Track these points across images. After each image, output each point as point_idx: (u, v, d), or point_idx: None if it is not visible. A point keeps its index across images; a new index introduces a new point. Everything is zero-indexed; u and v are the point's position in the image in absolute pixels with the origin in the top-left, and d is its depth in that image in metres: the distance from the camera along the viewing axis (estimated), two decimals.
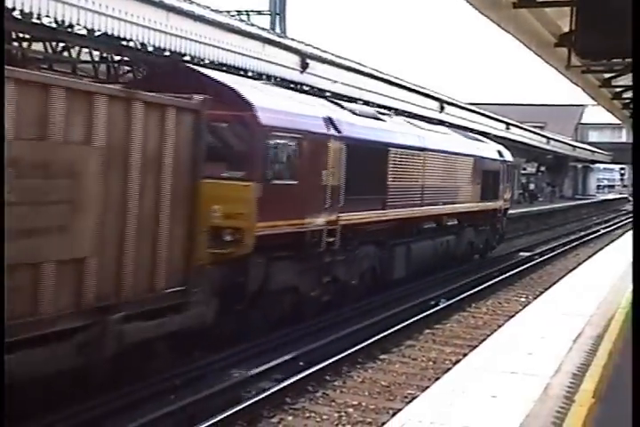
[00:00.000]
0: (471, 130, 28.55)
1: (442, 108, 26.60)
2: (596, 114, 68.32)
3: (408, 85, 23.72)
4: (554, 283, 14.31)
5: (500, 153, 20.69)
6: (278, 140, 10.04)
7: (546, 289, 13.84)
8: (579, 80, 15.44)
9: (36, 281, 6.44)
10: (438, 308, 13.89)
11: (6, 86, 5.99)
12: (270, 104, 10.23)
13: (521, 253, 24.01)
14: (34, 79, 6.34)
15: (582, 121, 76.49)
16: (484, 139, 21.59)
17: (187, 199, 8.08)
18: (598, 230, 36.20)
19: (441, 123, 23.06)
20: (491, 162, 19.53)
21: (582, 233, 34.04)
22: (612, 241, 23.63)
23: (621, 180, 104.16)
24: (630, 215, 46.92)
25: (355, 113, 12.96)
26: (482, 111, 31.84)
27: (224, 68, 14.21)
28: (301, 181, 10.56)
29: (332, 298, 12.18)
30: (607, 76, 16.23)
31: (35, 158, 6.31)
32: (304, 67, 17.50)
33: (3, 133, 5.63)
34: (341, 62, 19.40)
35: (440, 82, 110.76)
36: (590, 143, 64.23)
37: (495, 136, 32.50)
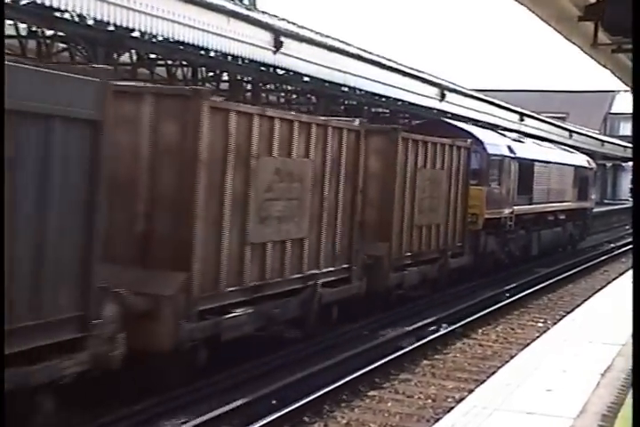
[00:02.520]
0: (479, 122, 28.75)
1: (442, 96, 26.75)
2: (629, 102, 68.98)
3: (402, 69, 23.82)
4: (577, 305, 14.41)
5: (588, 162, 31.24)
6: (494, 161, 20.50)
7: (568, 312, 13.92)
8: (607, 61, 15.46)
9: (430, 233, 16.85)
10: (438, 334, 13.97)
11: (411, 144, 15.72)
12: (489, 140, 20.84)
13: (538, 269, 24.27)
14: (420, 139, 16.14)
15: (612, 110, 76.39)
16: (576, 151, 32.59)
17: (464, 196, 18.59)
18: (631, 243, 36.33)
19: (546, 140, 33.50)
20: (583, 169, 29.88)
21: (612, 245, 34.20)
22: None
23: None
24: None
25: (512, 139, 23.40)
26: (490, 99, 32.03)
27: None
28: (500, 185, 20.89)
29: (508, 261, 22.41)
30: None
31: (430, 177, 16.56)
32: (277, 46, 17.52)
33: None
34: (322, 41, 19.45)
35: (441, 65, 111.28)
36: (622, 137, 64.38)
37: (506, 129, 32.80)
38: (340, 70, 20.20)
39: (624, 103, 71.78)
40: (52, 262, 7.32)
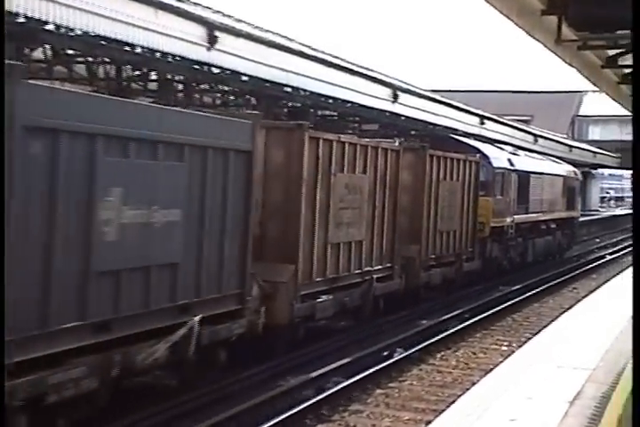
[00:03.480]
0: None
1: (395, 97, 26.88)
2: (598, 104, 69.67)
3: (350, 67, 23.89)
4: (544, 326, 14.51)
5: (575, 173, 36.62)
6: (498, 174, 24.75)
7: (534, 334, 14.06)
8: (573, 59, 15.60)
9: (449, 238, 21.30)
10: (393, 360, 14.08)
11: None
12: (494, 154, 25.27)
13: (501, 287, 24.50)
14: (441, 155, 20.73)
15: (580, 113, 77.09)
16: (563, 162, 37.95)
17: (475, 205, 22.77)
18: (603, 257, 36.88)
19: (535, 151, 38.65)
20: (571, 180, 34.95)
21: (582, 260, 34.76)
22: (622, 271, 24.09)
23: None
24: None
25: (509, 152, 28.08)
26: (448, 101, 32.29)
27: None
28: (504, 196, 25.08)
29: (509, 267, 26.55)
30: (612, 53, 16.48)
31: (449, 188, 21.20)
32: (212, 41, 17.45)
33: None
34: (262, 36, 19.44)
35: (394, 64, 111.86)
36: (591, 142, 65.29)
37: (465, 133, 33.03)
38: (281, 69, 20.12)
39: (592, 105, 72.90)
40: (227, 258, 11.69)
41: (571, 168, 36.49)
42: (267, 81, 20.08)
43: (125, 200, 9.45)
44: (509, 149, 29.55)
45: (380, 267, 17.15)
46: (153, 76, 21.00)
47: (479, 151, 24.18)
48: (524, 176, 27.61)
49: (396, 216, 17.86)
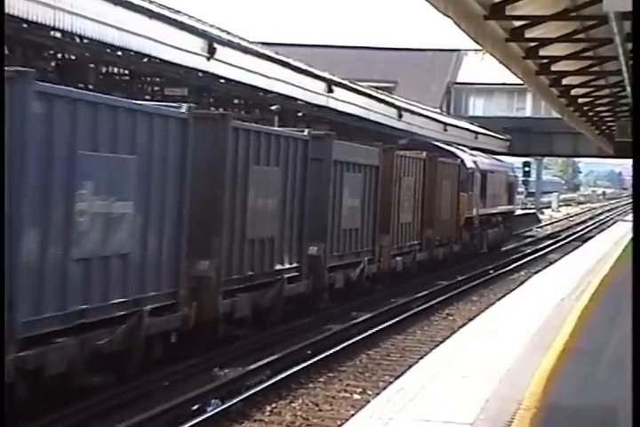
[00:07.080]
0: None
1: (211, 52, 26.55)
2: (482, 68, 71.26)
3: (147, 7, 23.03)
4: (409, 366, 14.43)
5: (512, 169, 52.07)
6: (469, 173, 40.82)
7: (396, 378, 13.78)
8: (449, 5, 15.69)
9: (445, 225, 39.26)
10: (205, 417, 13.57)
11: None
12: (466, 157, 41.60)
13: (353, 313, 24.21)
14: (442, 160, 38.06)
15: (458, 79, 72.45)
16: (501, 158, 51.69)
17: (457, 200, 39.20)
18: (487, 272, 37.76)
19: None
20: (510, 176, 49.97)
21: (459, 277, 33.96)
22: (511, 291, 24.56)
23: (526, 183, 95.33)
24: (547, 245, 49.97)
25: (470, 153, 43.72)
26: (284, 59, 32.25)
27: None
28: (473, 192, 41.17)
29: (474, 251, 42.05)
30: None
31: (444, 186, 41.66)
32: None
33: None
34: None
35: (214, 8, 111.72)
36: (472, 118, 65.94)
37: (308, 104, 33.33)
38: (48, 5, 18.54)
39: (474, 69, 73.64)
40: (368, 228, 27.56)
41: (509, 165, 52.54)
42: (24, 21, 19.26)
43: (349, 194, 25.04)
44: (467, 150, 43.81)
45: (415, 242, 31.77)
46: None
47: (456, 155, 38.85)
48: (484, 174, 42.26)
49: (423, 207, 32.18)
